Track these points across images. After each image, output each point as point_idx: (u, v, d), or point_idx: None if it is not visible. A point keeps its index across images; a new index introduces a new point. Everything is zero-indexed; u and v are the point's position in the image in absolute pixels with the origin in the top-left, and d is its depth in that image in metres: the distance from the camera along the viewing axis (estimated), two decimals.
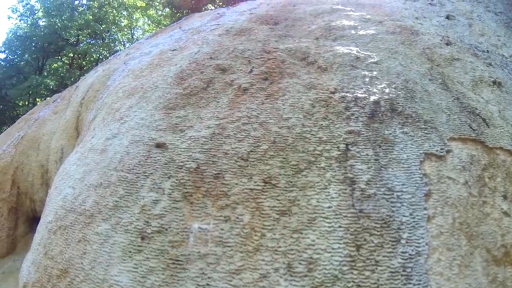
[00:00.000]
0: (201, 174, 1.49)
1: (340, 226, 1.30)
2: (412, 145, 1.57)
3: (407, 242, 1.27)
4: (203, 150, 1.57)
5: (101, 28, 15.27)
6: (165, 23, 15.16)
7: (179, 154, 1.59)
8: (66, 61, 16.41)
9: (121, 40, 17.51)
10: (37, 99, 15.78)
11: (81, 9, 16.55)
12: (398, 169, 1.47)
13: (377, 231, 1.29)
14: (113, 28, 15.78)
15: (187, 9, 12.69)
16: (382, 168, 1.46)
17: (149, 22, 17.24)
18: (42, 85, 13.46)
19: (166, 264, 1.27)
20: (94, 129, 2.21)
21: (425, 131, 1.66)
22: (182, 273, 1.25)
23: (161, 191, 1.47)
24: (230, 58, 2.33)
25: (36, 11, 17.61)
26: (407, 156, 1.53)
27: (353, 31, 2.44)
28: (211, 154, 1.56)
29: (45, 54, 16.10)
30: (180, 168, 1.52)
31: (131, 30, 18.05)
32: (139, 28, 18.32)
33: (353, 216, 1.32)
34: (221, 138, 1.61)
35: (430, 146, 1.60)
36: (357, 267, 1.21)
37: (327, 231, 1.27)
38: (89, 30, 14.87)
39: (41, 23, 17.10)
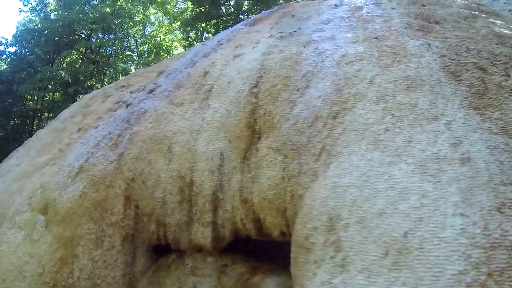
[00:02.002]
0: None
1: None
2: None
3: None
4: None
5: (116, 22, 14.32)
6: (181, 18, 14.33)
7: None
8: (78, 55, 15.39)
9: (134, 35, 16.59)
10: (47, 94, 14.53)
11: (94, 2, 15.56)
12: None
13: None
14: (128, 23, 14.87)
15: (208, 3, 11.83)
16: None
17: (164, 16, 16.35)
18: (56, 78, 12.22)
19: None
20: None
21: None
22: None
23: None
24: (482, 58, 1.52)
25: (49, 4, 16.43)
26: None
27: None
28: None
29: (56, 48, 15.00)
30: None
31: (143, 25, 17.15)
32: (151, 23, 17.49)
33: None
34: None
35: None
36: None
37: None
38: (104, 24, 13.93)
39: (52, 16, 16.12)
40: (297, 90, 1.97)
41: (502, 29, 2.21)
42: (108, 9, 14.57)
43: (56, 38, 14.28)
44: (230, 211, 2.11)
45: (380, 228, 1.14)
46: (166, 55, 15.22)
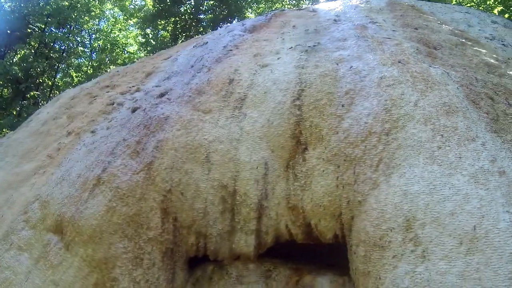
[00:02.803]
0: None
1: None
2: None
3: None
4: None
5: (73, 15, 13.63)
6: (139, 15, 14.11)
7: None
8: (30, 50, 14.13)
9: (88, 31, 15.88)
10: None
11: None
12: None
13: None
14: (84, 17, 14.30)
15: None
16: None
17: (120, 12, 15.93)
18: (8, 74, 11.10)
19: None
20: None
21: None
22: None
23: None
24: (488, 88, 2.31)
25: None
26: None
27: None
28: None
29: (8, 42, 13.71)
30: None
31: (98, 21, 16.49)
32: (106, 19, 16.99)
33: None
34: None
35: None
36: None
37: None
38: (59, 18, 13.20)
39: (7, 6, 14.55)
40: (342, 106, 2.39)
41: (488, 58, 2.95)
42: (66, 2, 13.79)
43: (9, 31, 12.95)
44: (274, 218, 2.42)
45: (453, 224, 1.61)
46: (121, 52, 14.67)
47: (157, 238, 2.38)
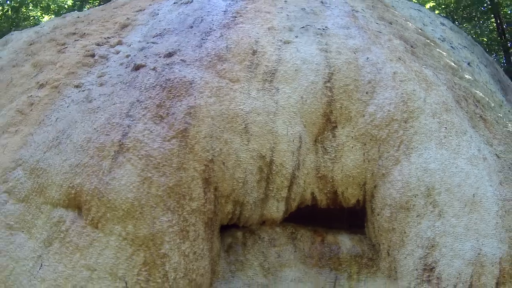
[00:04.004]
0: None
1: None
2: None
3: None
4: None
5: None
6: None
7: None
8: None
9: None
10: None
11: None
12: None
13: None
14: None
15: None
16: None
17: None
18: None
19: None
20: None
21: None
22: None
23: None
24: (461, 91, 3.36)
25: None
26: None
27: None
28: None
29: None
30: None
31: None
32: None
33: None
34: None
35: None
36: None
37: None
38: None
39: None
40: (366, 93, 3.03)
41: (449, 61, 4.00)
42: None
43: None
44: (302, 186, 2.97)
45: (460, 193, 2.50)
46: None
47: (200, 208, 2.53)
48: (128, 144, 2.59)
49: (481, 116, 3.13)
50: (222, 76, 3.11)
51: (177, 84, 2.99)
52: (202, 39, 3.53)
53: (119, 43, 3.86)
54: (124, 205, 2.33)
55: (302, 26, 3.66)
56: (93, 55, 3.55)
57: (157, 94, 2.96)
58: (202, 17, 3.94)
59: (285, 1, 4.42)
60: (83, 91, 3.21)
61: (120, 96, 3.04)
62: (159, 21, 4.14)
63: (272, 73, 3.13)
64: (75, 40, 4.01)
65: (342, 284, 2.68)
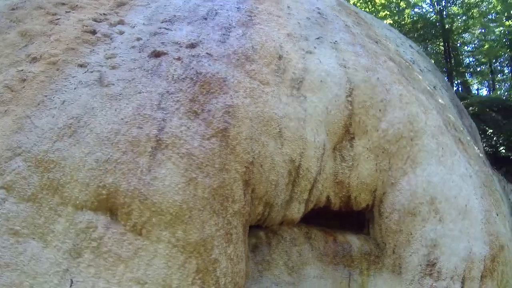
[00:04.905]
0: None
1: None
2: None
3: None
4: None
5: None
6: None
7: None
8: None
9: None
10: None
11: None
12: None
13: None
14: None
15: None
16: None
17: None
18: None
19: None
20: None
21: None
22: None
23: None
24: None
25: None
26: None
27: None
28: None
29: None
30: None
31: None
32: None
33: None
34: None
35: None
36: None
37: None
38: None
39: None
40: (379, 110, 3.59)
41: (425, 84, 4.84)
42: None
43: None
44: (320, 190, 3.41)
45: (456, 203, 3.22)
46: None
47: (240, 210, 2.65)
48: (166, 140, 2.57)
49: (459, 139, 3.96)
50: (253, 77, 3.35)
51: (210, 79, 3.13)
52: (224, 34, 3.69)
53: (121, 22, 3.80)
54: (172, 209, 2.29)
55: (316, 37, 4.08)
56: (93, 32, 3.46)
57: (188, 87, 3.05)
58: (216, 10, 4.08)
59: (288, 7, 4.78)
60: (91, 72, 3.07)
61: (144, 84, 3.02)
62: (165, 5, 4.14)
63: (300, 81, 3.48)
64: (67, 12, 3.83)
65: (355, 279, 3.19)
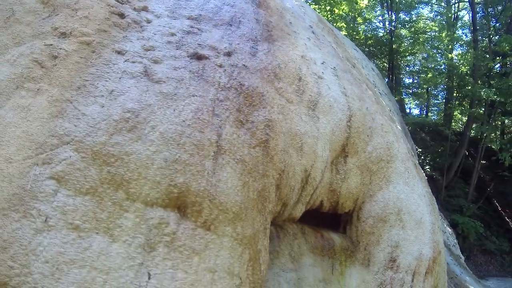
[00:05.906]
0: None
1: None
2: None
3: None
4: None
5: None
6: None
7: None
8: None
9: None
10: None
11: None
12: None
13: None
14: None
15: None
16: None
17: None
18: None
19: None
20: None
21: None
22: None
23: None
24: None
25: None
26: None
27: None
28: None
29: None
30: None
31: None
32: None
33: None
34: None
35: None
36: None
37: None
38: None
39: None
40: (367, 136, 4.65)
41: (388, 110, 6.13)
42: None
43: None
44: (317, 195, 4.36)
45: (414, 216, 4.48)
46: None
47: (272, 209, 3.43)
48: (224, 146, 3.00)
49: (415, 164, 5.29)
50: (281, 94, 4.11)
51: (252, 92, 3.79)
52: (252, 47, 4.31)
53: (145, 9, 3.84)
54: (234, 208, 2.79)
55: (321, 62, 4.97)
56: (121, 15, 3.49)
57: (234, 97, 3.65)
58: (238, 18, 4.63)
59: (290, 23, 5.58)
60: (133, 62, 3.13)
61: (195, 87, 3.26)
62: (186, 2, 4.45)
63: (315, 103, 4.35)
64: None
65: (337, 268, 4.25)
